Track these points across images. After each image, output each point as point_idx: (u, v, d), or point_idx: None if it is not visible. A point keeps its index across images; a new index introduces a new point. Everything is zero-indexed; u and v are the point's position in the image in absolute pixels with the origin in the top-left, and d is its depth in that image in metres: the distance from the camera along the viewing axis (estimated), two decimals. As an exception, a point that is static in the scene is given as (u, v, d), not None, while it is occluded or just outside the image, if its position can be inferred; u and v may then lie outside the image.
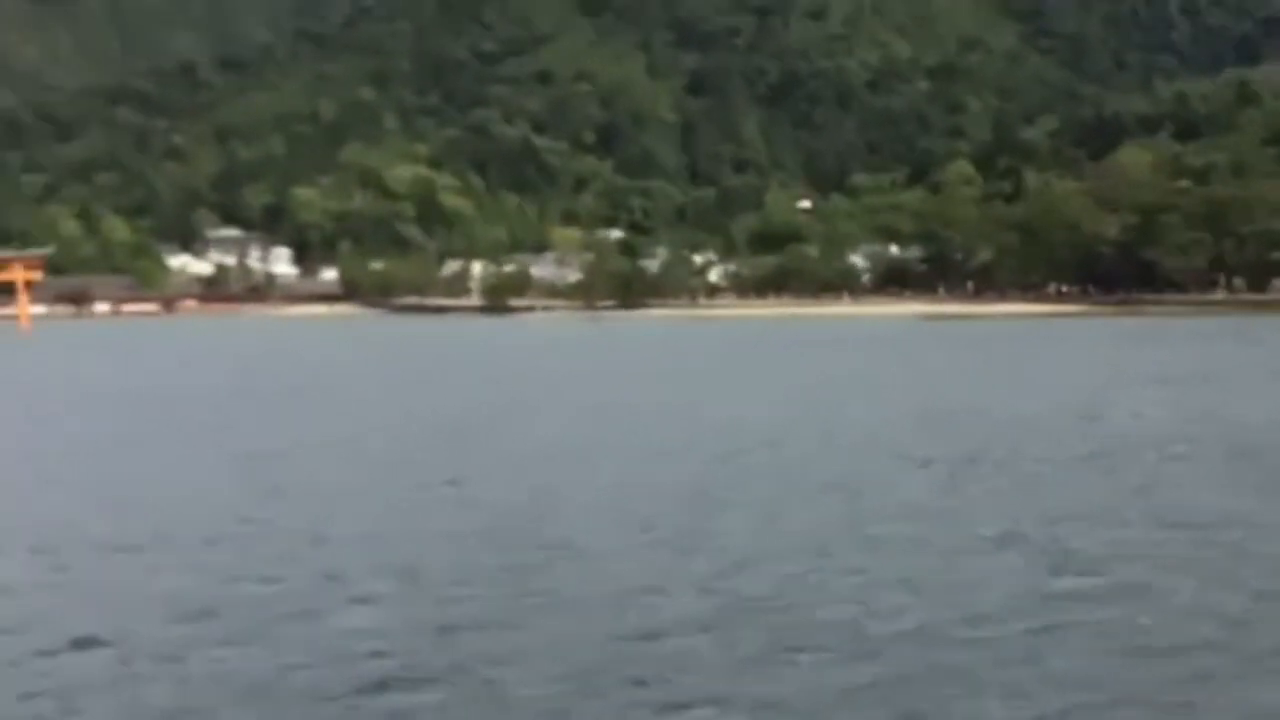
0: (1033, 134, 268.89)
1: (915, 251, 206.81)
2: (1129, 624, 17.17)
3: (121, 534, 24.05)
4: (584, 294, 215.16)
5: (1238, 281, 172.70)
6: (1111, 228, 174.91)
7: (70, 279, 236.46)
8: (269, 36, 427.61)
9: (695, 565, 21.05)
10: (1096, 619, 17.46)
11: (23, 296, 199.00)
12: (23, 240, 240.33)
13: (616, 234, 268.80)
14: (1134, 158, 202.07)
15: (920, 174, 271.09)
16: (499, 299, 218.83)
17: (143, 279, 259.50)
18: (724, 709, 13.98)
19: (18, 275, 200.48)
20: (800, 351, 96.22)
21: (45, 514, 26.95)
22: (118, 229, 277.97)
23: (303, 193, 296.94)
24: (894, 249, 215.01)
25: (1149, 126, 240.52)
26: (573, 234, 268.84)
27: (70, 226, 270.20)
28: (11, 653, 16.16)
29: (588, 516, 25.78)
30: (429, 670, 15.37)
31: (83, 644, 16.56)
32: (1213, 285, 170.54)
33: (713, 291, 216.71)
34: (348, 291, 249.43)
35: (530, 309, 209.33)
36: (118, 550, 22.72)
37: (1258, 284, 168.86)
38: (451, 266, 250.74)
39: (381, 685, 14.78)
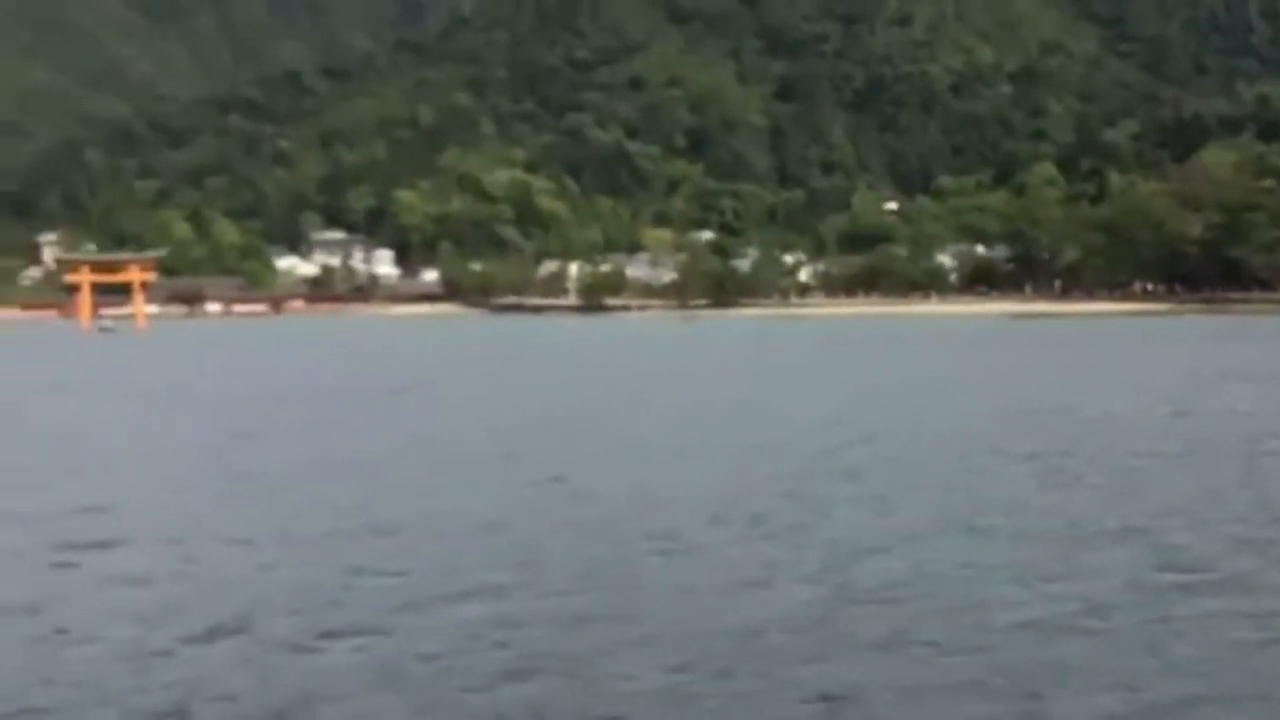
0: (1115, 136, 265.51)
1: (1001, 251, 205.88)
2: (1243, 617, 16.81)
3: (244, 528, 24.19)
4: (678, 293, 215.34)
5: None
6: (1196, 227, 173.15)
7: (182, 280, 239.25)
8: (370, 45, 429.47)
9: (805, 558, 20.89)
10: (1210, 611, 17.16)
11: (138, 297, 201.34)
12: (138, 243, 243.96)
13: (707, 235, 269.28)
14: (1217, 158, 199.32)
15: (1004, 176, 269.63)
16: (595, 298, 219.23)
17: (251, 280, 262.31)
18: (843, 700, 13.76)
19: (134, 276, 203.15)
20: (891, 349, 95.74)
21: (171, 508, 27.11)
22: (227, 231, 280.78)
23: (404, 196, 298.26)
24: (980, 249, 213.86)
25: (1231, 128, 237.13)
26: (665, 235, 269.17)
27: (182, 229, 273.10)
28: (155, 643, 16.19)
29: (695, 511, 25.50)
30: (554, 660, 15.27)
31: (218, 633, 16.65)
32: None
33: (803, 291, 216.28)
34: (448, 291, 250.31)
35: (625, 308, 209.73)
36: (241, 544, 22.81)
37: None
38: (548, 267, 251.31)
39: (508, 674, 14.69)
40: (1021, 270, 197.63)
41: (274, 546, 22.55)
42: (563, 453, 36.33)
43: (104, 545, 22.65)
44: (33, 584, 20.04)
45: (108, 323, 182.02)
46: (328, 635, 16.47)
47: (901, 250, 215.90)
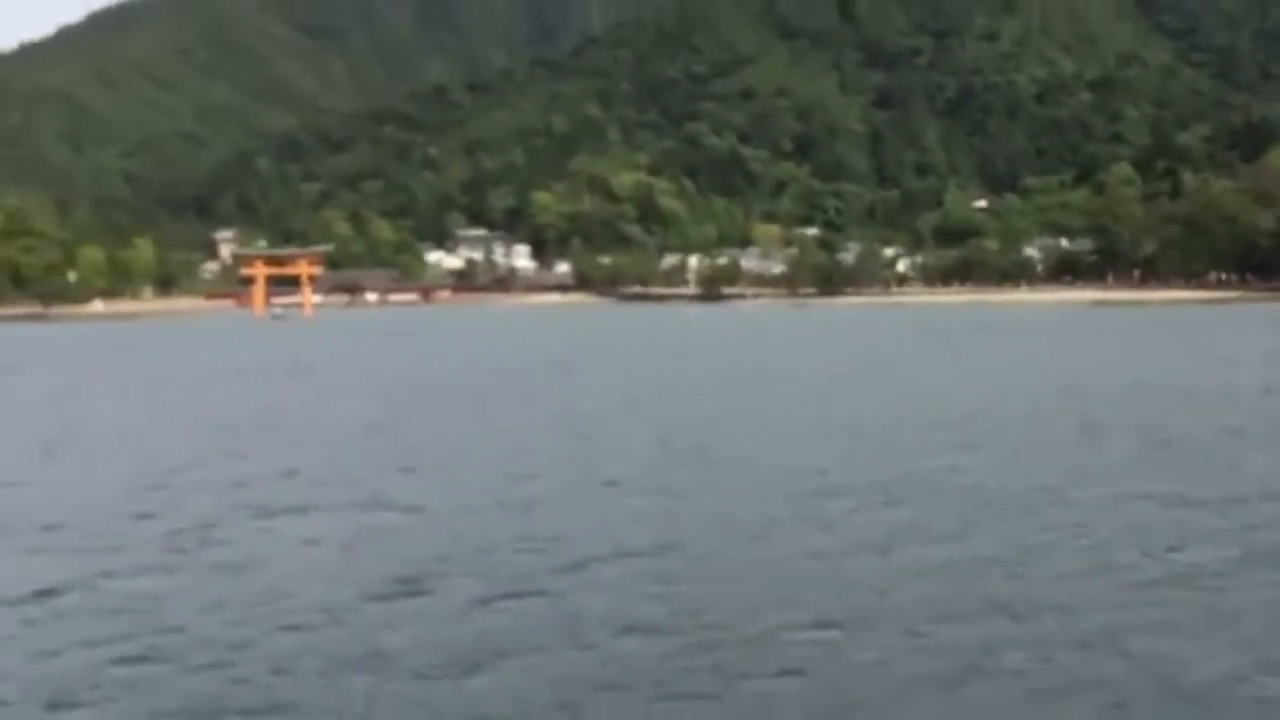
0: (1188, 139, 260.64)
1: (1085, 244, 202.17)
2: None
3: (419, 498, 24.08)
4: (788, 283, 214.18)
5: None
6: (1267, 221, 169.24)
7: (344, 272, 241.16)
8: (509, 62, 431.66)
9: (930, 524, 20.45)
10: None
11: (306, 288, 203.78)
12: (304, 240, 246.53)
13: (813, 231, 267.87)
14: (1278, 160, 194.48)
15: (1085, 176, 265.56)
16: (712, 288, 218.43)
17: (404, 272, 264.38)
18: (980, 655, 13.45)
19: (302, 270, 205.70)
20: (987, 333, 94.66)
21: (352, 480, 26.99)
22: (383, 229, 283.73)
23: (540, 197, 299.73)
24: (1064, 242, 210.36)
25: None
26: (774, 231, 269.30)
27: (343, 228, 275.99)
28: (347, 599, 16.29)
29: (825, 479, 25.16)
30: (708, 614, 15.12)
31: (405, 592, 16.75)
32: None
33: (901, 281, 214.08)
34: (579, 282, 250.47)
35: (740, 296, 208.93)
36: (417, 511, 22.74)
37: None
38: (670, 260, 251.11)
39: (668, 629, 14.56)
40: (1103, 261, 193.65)
41: (447, 514, 22.41)
42: (699, 426, 36.09)
43: (298, 510, 22.81)
44: (240, 547, 20.23)
45: (279, 311, 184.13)
46: (507, 595, 16.36)
47: (992, 244, 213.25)
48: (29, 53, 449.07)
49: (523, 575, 17.43)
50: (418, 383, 58.26)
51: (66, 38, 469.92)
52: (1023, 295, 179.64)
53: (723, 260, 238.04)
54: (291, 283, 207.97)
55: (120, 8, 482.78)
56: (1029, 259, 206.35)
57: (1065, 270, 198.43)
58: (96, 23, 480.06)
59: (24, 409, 49.35)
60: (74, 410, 47.70)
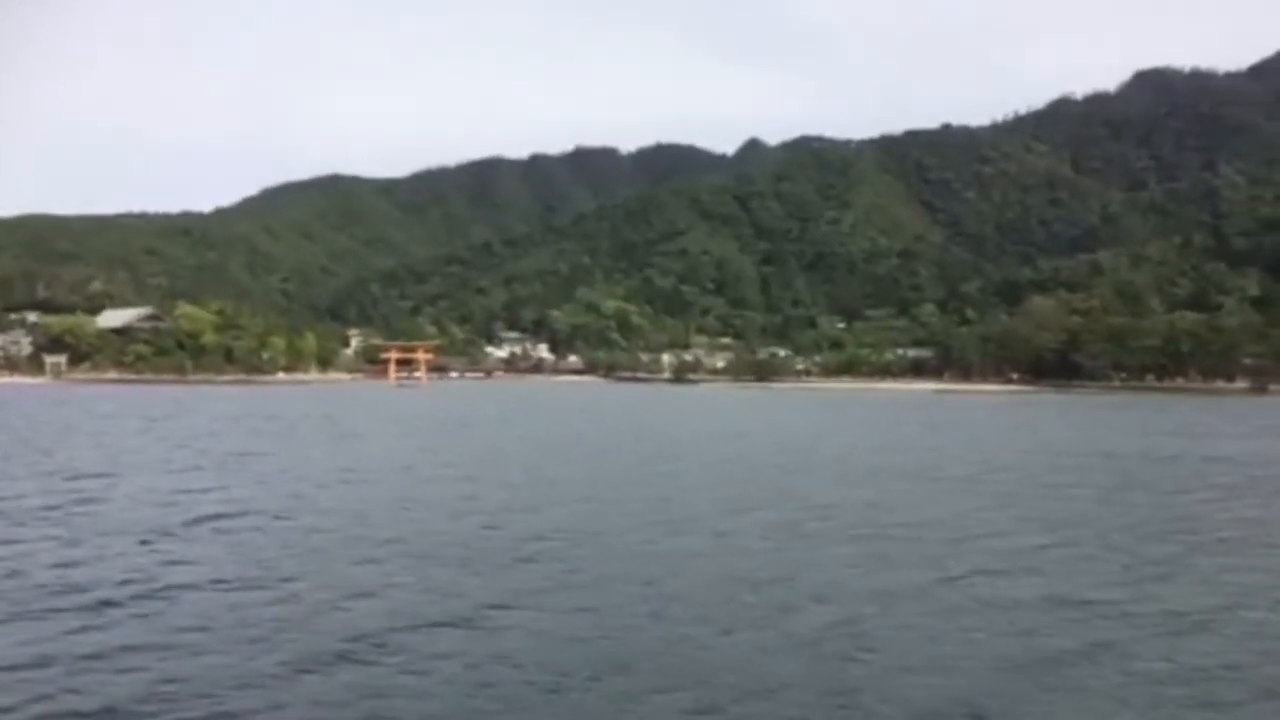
0: (968, 289, 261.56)
1: (926, 353, 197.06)
2: None
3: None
4: (731, 373, 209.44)
5: (1125, 375, 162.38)
6: (1049, 340, 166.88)
7: (439, 358, 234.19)
8: (529, 228, 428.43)
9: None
10: None
11: (423, 368, 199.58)
12: (405, 337, 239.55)
13: (727, 341, 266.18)
14: (1040, 304, 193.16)
15: (901, 311, 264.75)
16: (681, 374, 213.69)
17: (472, 359, 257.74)
18: None
19: (421, 356, 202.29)
20: (878, 407, 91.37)
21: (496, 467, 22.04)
22: (456, 332, 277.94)
23: (554, 314, 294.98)
24: (910, 352, 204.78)
25: (1040, 286, 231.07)
26: (704, 339, 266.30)
27: (430, 330, 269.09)
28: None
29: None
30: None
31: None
32: (1109, 377, 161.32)
33: (808, 373, 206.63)
34: (588, 368, 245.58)
35: (699, 381, 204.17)
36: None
37: (1136, 375, 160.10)
38: (644, 356, 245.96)
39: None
40: (939, 364, 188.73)
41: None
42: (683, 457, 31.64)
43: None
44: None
45: (406, 380, 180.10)
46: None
47: (864, 351, 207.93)
48: (222, 213, 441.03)
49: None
50: (512, 424, 53.14)
51: (247, 204, 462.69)
52: (889, 385, 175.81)
53: (688, 357, 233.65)
54: (405, 364, 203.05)
55: (282, 185, 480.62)
56: (889, 361, 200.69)
57: (914, 370, 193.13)
58: (266, 195, 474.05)
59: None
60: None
